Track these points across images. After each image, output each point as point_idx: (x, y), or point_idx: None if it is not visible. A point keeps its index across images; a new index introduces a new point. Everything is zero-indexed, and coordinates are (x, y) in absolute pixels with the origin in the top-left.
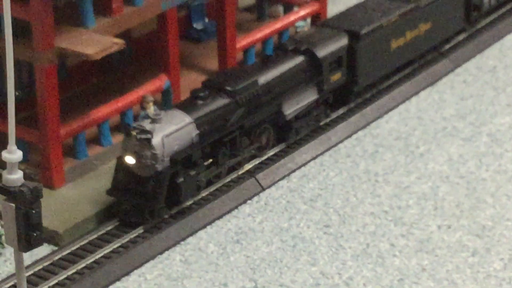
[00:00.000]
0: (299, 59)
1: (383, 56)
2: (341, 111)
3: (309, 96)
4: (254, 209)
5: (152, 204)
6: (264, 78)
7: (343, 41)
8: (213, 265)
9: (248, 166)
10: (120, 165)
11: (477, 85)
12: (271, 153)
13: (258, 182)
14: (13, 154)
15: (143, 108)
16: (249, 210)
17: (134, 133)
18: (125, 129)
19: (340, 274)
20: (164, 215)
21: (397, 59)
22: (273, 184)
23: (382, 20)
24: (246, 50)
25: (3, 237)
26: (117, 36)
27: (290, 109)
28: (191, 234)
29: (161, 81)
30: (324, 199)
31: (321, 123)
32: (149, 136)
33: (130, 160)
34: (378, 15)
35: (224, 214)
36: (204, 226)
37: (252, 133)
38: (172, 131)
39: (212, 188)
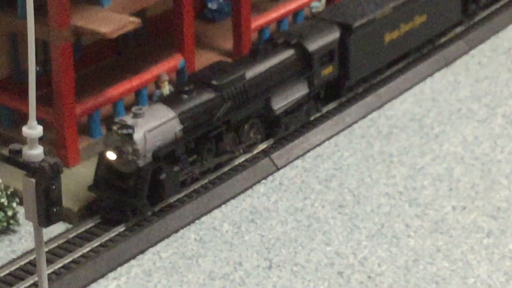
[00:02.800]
0: (289, 52)
1: (376, 50)
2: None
3: (299, 91)
4: (269, 188)
5: (134, 200)
6: (252, 72)
7: (335, 34)
8: (228, 244)
9: (262, 146)
10: (102, 161)
11: (492, 67)
12: (284, 134)
13: (273, 162)
14: (34, 129)
15: (158, 87)
16: (264, 190)
17: (115, 128)
18: (107, 123)
19: (355, 254)
20: (147, 213)
21: (391, 52)
22: (288, 164)
23: (375, 13)
24: (261, 30)
25: (18, 215)
26: (132, 15)
27: (279, 104)
28: (206, 213)
29: (176, 61)
30: (338, 180)
31: (312, 118)
32: (130, 131)
33: (111, 155)
34: (371, 8)
35: (239, 193)
36: (219, 205)
37: (239, 128)
38: (154, 126)
39: (225, 168)
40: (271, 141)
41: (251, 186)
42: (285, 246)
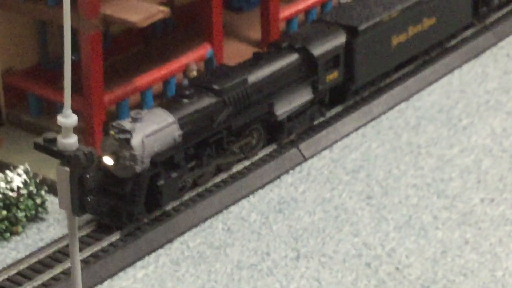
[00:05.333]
0: (293, 57)
1: (383, 53)
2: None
3: (303, 96)
4: (296, 179)
5: (130, 207)
6: (254, 77)
7: (341, 38)
8: (256, 234)
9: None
10: (99, 166)
11: None
12: (313, 124)
13: (301, 152)
14: (68, 118)
15: (186, 76)
16: (291, 180)
17: (112, 132)
18: (105, 127)
19: (383, 245)
20: (143, 219)
21: (398, 56)
22: (316, 154)
23: (382, 15)
24: (289, 21)
25: (46, 203)
26: (161, 4)
27: (282, 109)
28: (233, 203)
29: (204, 50)
30: (366, 171)
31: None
32: (128, 136)
33: (108, 160)
34: (378, 10)
35: (267, 183)
36: (247, 195)
37: (241, 133)
38: (153, 131)
39: (255, 158)
40: (273, 147)
41: (278, 176)
42: (313, 236)
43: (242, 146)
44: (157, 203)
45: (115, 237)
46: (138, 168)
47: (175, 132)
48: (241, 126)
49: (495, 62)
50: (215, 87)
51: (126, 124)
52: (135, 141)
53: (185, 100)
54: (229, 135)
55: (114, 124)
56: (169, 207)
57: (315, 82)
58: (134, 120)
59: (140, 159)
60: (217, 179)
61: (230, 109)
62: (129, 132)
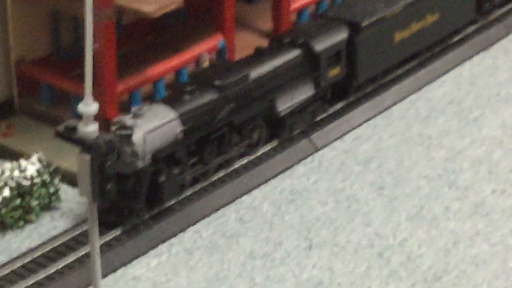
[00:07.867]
0: (295, 53)
1: (386, 50)
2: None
3: (305, 92)
4: (308, 169)
5: (131, 203)
6: (256, 73)
7: (343, 34)
8: (268, 224)
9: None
10: None
11: None
12: (324, 115)
13: (312, 143)
14: (90, 106)
15: (198, 67)
16: (303, 170)
17: (114, 128)
18: (107, 123)
19: (395, 235)
20: (144, 216)
21: (401, 52)
22: (327, 145)
23: (385, 11)
24: (300, 11)
25: (59, 192)
26: None
27: (284, 105)
28: (246, 193)
29: (216, 40)
30: (378, 161)
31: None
32: (129, 132)
33: None
34: (381, 6)
35: (279, 173)
36: (259, 185)
37: (242, 129)
38: (154, 127)
39: (267, 147)
40: (274, 143)
41: (290, 167)
42: (325, 226)
43: (244, 142)
44: (158, 200)
45: (127, 226)
46: (139, 164)
47: (177, 128)
48: (243, 122)
49: (506, 54)
50: (217, 83)
51: (128, 120)
52: (137, 137)
53: (187, 96)
54: (231, 131)
55: (115, 120)
56: (181, 197)
57: (317, 78)
58: (136, 116)
59: (142, 155)
60: (229, 169)
61: (232, 105)
62: (130, 128)
